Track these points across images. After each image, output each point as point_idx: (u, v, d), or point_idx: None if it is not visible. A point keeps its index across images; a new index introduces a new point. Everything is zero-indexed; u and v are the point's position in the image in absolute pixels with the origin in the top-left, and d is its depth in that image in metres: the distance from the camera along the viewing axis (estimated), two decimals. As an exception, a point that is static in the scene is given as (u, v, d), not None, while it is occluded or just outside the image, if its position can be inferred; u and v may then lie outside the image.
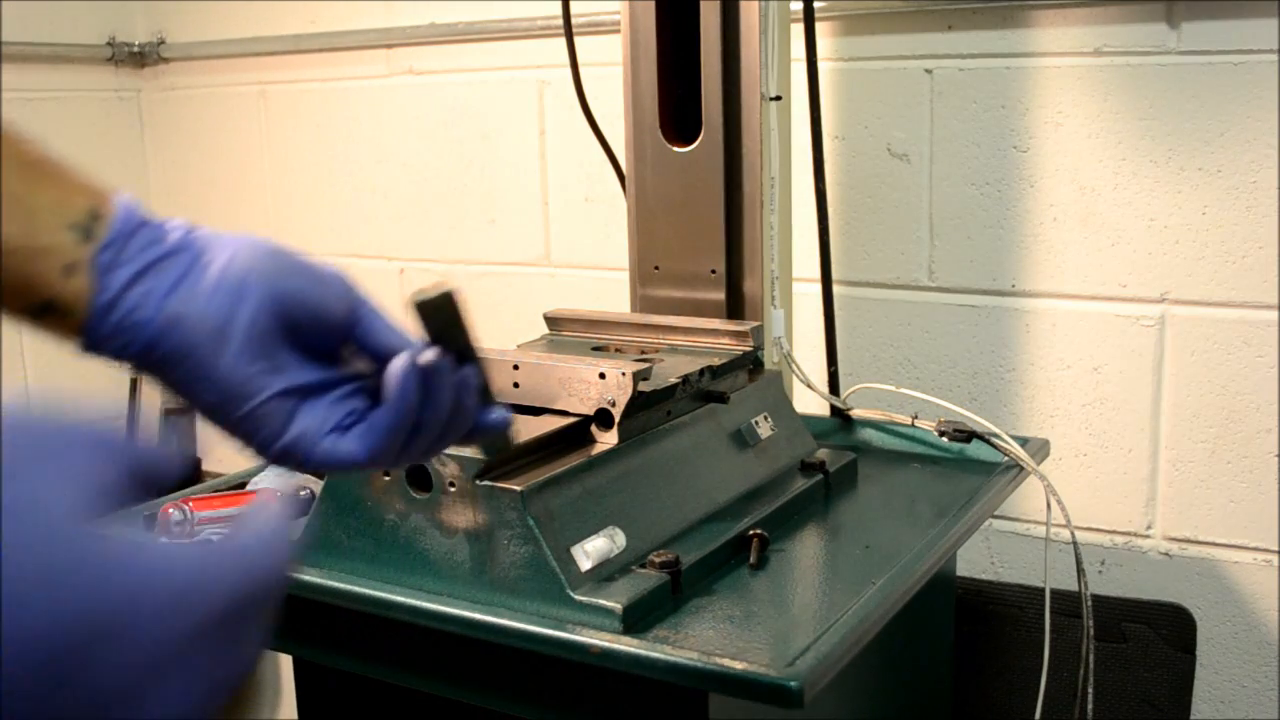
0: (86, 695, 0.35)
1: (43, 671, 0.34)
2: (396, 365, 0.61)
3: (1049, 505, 1.17)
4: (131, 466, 0.42)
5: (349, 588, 0.90)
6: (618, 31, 1.33)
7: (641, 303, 1.36)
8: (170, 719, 0.37)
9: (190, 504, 1.02)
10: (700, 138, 1.29)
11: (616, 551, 0.91)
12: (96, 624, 0.35)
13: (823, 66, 1.46)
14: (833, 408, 1.35)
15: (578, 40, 1.45)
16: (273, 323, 0.60)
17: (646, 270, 1.35)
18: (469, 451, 0.87)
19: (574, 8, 1.44)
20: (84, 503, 0.38)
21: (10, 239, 0.57)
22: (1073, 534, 1.19)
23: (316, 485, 1.10)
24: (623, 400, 0.97)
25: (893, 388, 1.37)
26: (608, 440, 0.98)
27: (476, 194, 1.95)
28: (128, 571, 0.36)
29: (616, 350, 1.21)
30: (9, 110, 2.04)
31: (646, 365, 1.00)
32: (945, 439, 1.25)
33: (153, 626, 0.37)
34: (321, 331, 0.62)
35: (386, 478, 0.93)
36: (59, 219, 0.59)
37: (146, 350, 0.59)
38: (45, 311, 0.59)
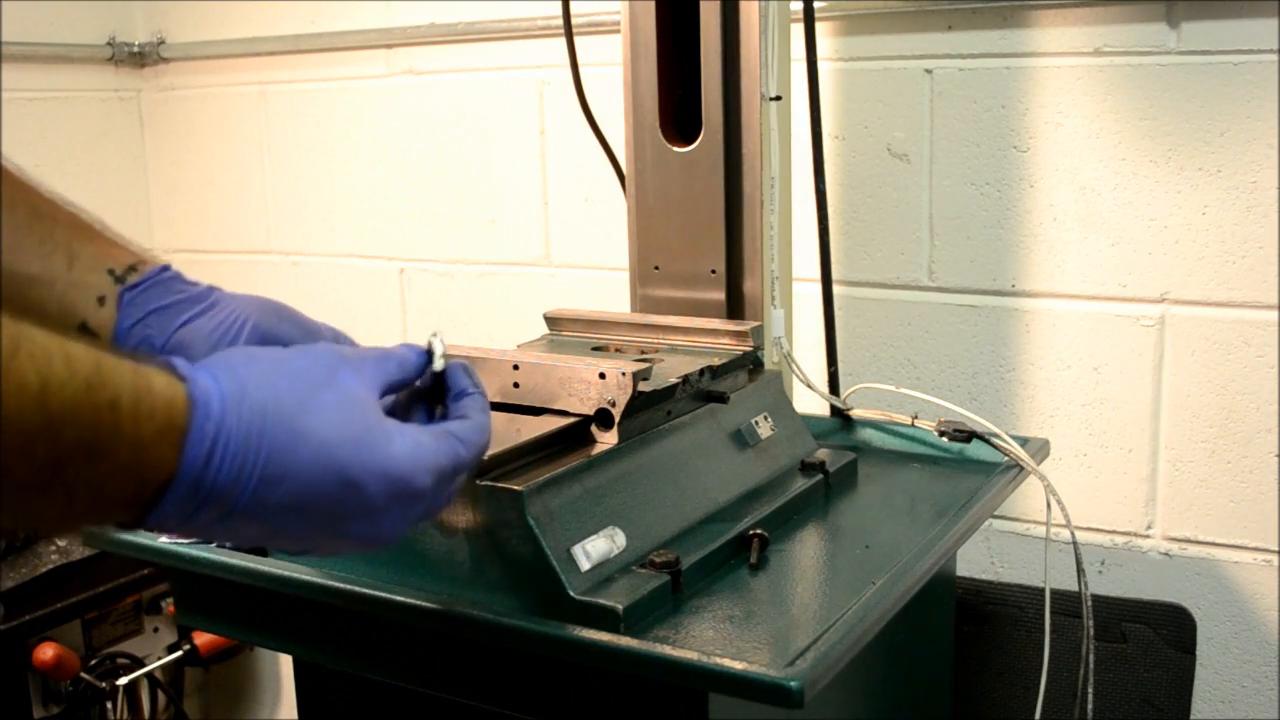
0: (359, 501, 0.63)
1: (345, 483, 0.62)
2: None
3: (1049, 505, 1.17)
4: (389, 375, 0.69)
5: (349, 588, 0.90)
6: (618, 31, 1.33)
7: (641, 303, 1.36)
8: (385, 535, 0.66)
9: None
10: (700, 138, 1.29)
11: (616, 551, 0.91)
12: (373, 467, 0.63)
13: (823, 66, 1.46)
14: (833, 408, 1.35)
15: (578, 40, 1.45)
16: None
17: (646, 270, 1.35)
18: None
19: (574, 8, 1.44)
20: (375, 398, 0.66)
21: (52, 272, 0.74)
22: (1073, 534, 1.19)
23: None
24: (623, 400, 0.97)
25: (893, 388, 1.37)
26: (608, 440, 0.98)
27: (476, 194, 1.95)
28: (395, 446, 0.64)
29: (616, 350, 1.21)
30: (9, 110, 2.05)
31: (646, 365, 1.00)
32: (945, 439, 1.25)
33: (397, 479, 0.64)
34: None
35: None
36: (98, 264, 0.76)
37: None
38: (82, 330, 0.75)
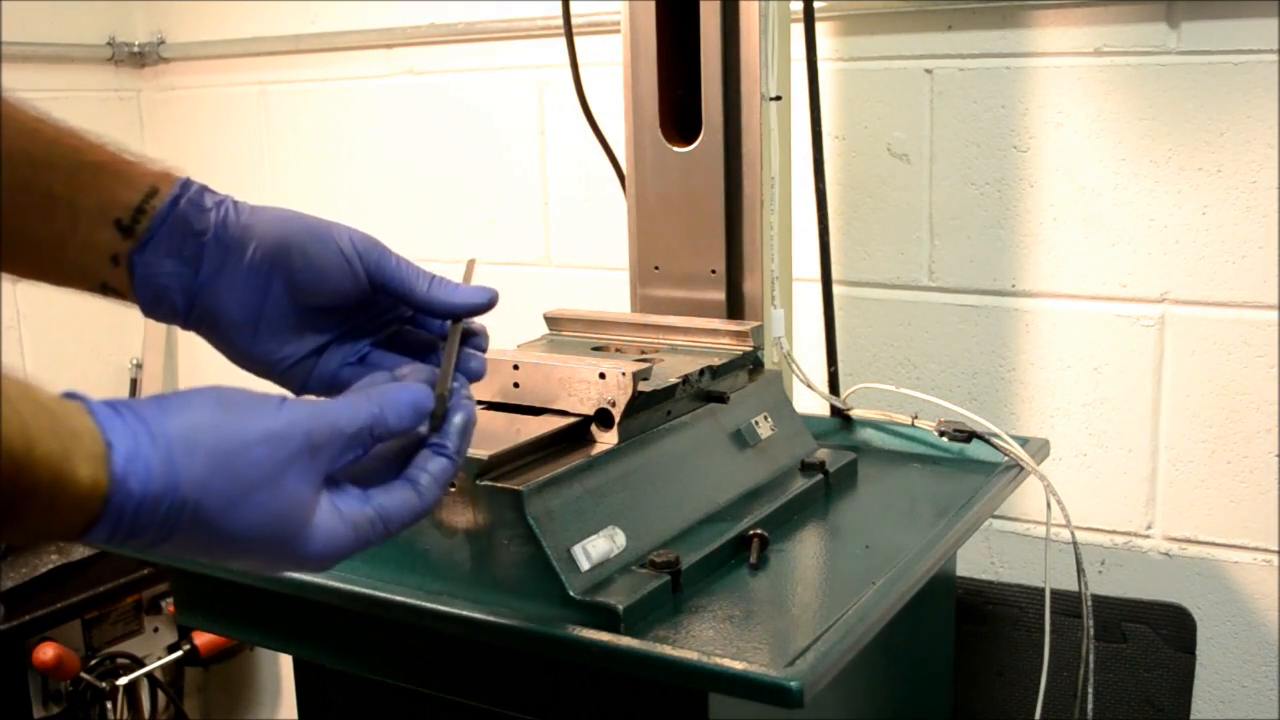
0: (254, 567, 0.64)
1: (247, 562, 0.63)
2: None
3: (1049, 505, 1.17)
4: (363, 444, 0.66)
5: (349, 588, 0.90)
6: (618, 31, 1.33)
7: (641, 303, 1.36)
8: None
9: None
10: (700, 138, 1.29)
11: (616, 551, 0.91)
12: (280, 558, 0.63)
13: (823, 66, 1.46)
14: (833, 408, 1.35)
15: (578, 40, 1.45)
16: (292, 303, 0.75)
17: (646, 270, 1.35)
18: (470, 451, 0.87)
19: (574, 8, 1.44)
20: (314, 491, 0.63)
21: (59, 235, 0.71)
22: (1073, 534, 1.19)
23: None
24: (623, 400, 0.97)
25: (893, 388, 1.37)
26: (608, 440, 0.98)
27: (476, 194, 1.95)
28: (308, 546, 0.63)
29: (616, 350, 1.21)
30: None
31: (646, 365, 1.00)
32: (945, 439, 1.25)
33: (300, 564, 0.64)
34: (335, 302, 0.76)
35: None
36: (103, 217, 0.71)
37: (190, 327, 0.75)
38: (105, 290, 0.74)
